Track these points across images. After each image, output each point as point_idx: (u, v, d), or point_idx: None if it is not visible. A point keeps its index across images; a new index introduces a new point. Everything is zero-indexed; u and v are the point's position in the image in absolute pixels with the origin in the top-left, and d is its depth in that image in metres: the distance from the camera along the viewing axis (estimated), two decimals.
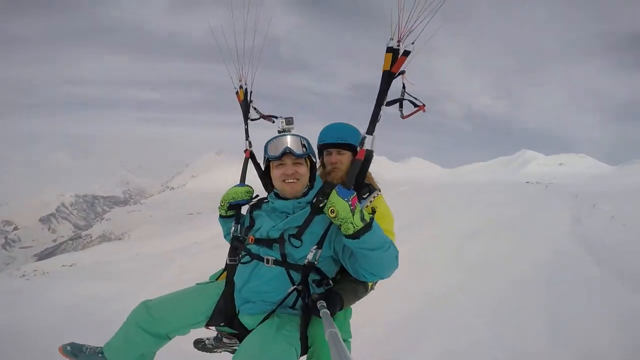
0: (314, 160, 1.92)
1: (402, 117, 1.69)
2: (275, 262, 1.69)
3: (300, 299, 1.69)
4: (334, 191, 1.50)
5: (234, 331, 1.85)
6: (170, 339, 1.85)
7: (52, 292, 6.95)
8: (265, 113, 2.20)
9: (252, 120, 2.23)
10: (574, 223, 11.00)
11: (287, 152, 1.75)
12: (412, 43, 1.54)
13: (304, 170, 1.81)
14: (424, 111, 1.70)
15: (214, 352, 2.20)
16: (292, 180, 1.77)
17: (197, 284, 1.99)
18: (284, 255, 1.68)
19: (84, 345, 1.91)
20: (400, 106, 1.70)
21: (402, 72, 1.63)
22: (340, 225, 1.46)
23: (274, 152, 1.78)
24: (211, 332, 2.09)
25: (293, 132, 1.90)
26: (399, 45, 1.57)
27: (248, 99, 2.24)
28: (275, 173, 1.81)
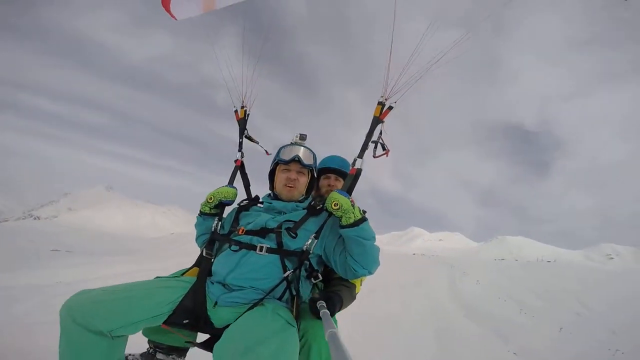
0: (315, 175, 2.09)
1: (374, 156, 2.00)
2: (269, 250, 1.69)
3: (287, 291, 1.66)
4: (334, 192, 1.72)
5: (188, 339, 1.71)
6: (112, 338, 1.44)
7: None
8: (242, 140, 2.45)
9: (245, 137, 2.43)
10: (450, 286, 13.07)
11: (295, 160, 1.95)
12: (395, 102, 1.97)
13: (304, 180, 2.00)
14: (387, 156, 2.01)
15: None
16: (291, 185, 1.95)
17: (157, 277, 1.77)
18: (280, 244, 1.71)
19: None
20: (375, 147, 1.98)
21: (382, 122, 1.99)
22: (342, 216, 1.64)
23: (285, 156, 1.97)
24: (136, 349, 1.82)
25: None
26: (386, 101, 1.97)
27: (245, 118, 2.44)
28: (280, 176, 1.98)
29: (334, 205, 1.66)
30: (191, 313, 1.59)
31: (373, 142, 1.98)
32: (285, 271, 1.66)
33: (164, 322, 1.56)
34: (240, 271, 1.65)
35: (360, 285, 2.10)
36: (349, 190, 1.93)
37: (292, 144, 2.08)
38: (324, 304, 1.55)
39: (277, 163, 2.04)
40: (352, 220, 1.63)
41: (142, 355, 1.82)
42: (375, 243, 1.70)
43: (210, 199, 2.01)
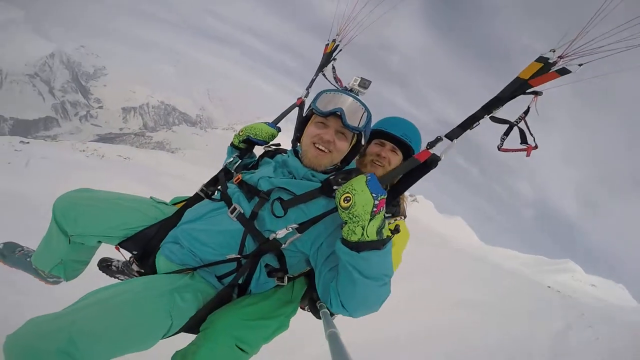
0: (362, 142, 1.46)
1: (500, 148, 1.24)
2: (239, 218, 1.30)
3: (234, 275, 1.30)
4: (362, 177, 1.12)
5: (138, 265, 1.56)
6: (69, 242, 1.44)
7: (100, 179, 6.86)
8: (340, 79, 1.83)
9: (322, 74, 1.96)
10: (559, 330, 11.13)
11: (336, 114, 1.32)
12: (580, 65, 1.09)
13: (343, 146, 1.39)
14: (528, 155, 1.22)
15: (115, 277, 1.79)
16: (322, 148, 1.36)
17: (151, 197, 1.61)
18: (254, 215, 1.29)
19: (20, 247, 1.67)
20: (506, 133, 1.22)
21: (537, 93, 1.16)
22: (346, 222, 1.09)
23: (323, 106, 1.36)
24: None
25: (361, 97, 1.43)
26: (557, 60, 1.12)
27: (333, 54, 1.94)
28: (311, 130, 1.40)
29: (344, 200, 1.08)
30: (141, 247, 1.44)
31: (495, 118, 1.21)
32: (240, 252, 1.29)
33: (119, 244, 1.46)
34: (194, 226, 1.35)
35: None
36: (396, 186, 1.32)
37: (341, 90, 1.45)
38: (324, 304, 1.33)
39: (312, 110, 1.43)
40: (355, 238, 1.07)
41: (123, 263, 1.76)
42: (381, 286, 1.12)
43: (242, 131, 1.75)
